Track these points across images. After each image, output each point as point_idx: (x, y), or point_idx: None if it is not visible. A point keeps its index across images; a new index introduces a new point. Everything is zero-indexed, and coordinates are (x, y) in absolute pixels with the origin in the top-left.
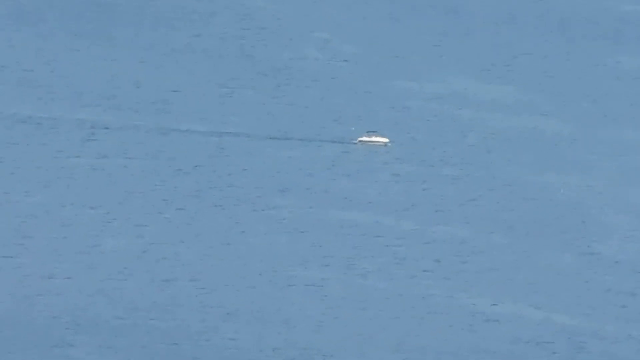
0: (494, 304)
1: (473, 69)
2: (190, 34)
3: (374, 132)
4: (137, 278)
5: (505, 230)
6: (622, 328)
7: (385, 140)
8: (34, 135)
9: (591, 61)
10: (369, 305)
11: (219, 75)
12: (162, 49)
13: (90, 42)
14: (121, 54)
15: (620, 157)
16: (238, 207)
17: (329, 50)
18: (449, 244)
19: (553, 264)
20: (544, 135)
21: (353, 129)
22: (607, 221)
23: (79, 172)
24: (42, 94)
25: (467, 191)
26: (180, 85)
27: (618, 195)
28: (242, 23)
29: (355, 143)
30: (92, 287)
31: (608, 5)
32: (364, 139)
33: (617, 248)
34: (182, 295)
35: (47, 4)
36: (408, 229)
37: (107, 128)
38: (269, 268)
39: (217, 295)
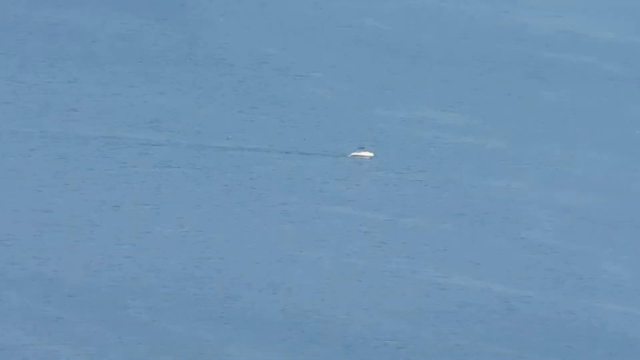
0: (446, 277)
1: (433, 100)
2: (219, 74)
3: (362, 148)
4: (179, 257)
5: (455, 220)
6: (544, 295)
7: (370, 154)
8: (103, 150)
9: (520, 94)
10: (353, 277)
11: (242, 105)
12: (199, 85)
13: (145, 79)
14: (166, 89)
15: (543, 166)
16: (256, 203)
17: (324, 85)
18: (413, 232)
19: (491, 246)
20: (485, 150)
21: (344, 146)
22: (532, 214)
23: (136, 178)
24: (109, 119)
25: (427, 192)
26: (212, 113)
27: (541, 195)
28: (259, 65)
29: (347, 156)
30: (145, 264)
31: (533, 52)
32: (354, 153)
33: (539, 234)
34: (213, 270)
35: (108, 44)
36: (383, 220)
37: (156, 145)
38: (278, 249)
39: (239, 270)
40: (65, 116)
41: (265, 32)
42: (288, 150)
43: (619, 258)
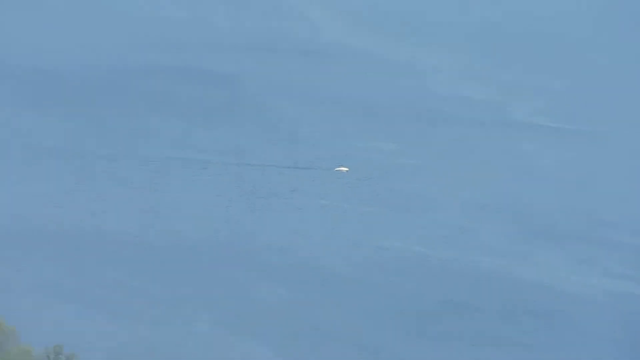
0: (384, 240)
1: (380, 136)
2: (241, 122)
3: (342, 165)
4: (228, 229)
5: (382, 205)
6: (448, 254)
7: (346, 169)
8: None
9: (422, 132)
10: (334, 226)
11: (258, 139)
12: (235, 123)
13: (205, 122)
14: (218, 122)
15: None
16: (271, 198)
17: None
18: (362, 212)
19: (405, 220)
20: (406, 170)
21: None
22: (432, 197)
23: (193, 184)
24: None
25: (369, 191)
26: (244, 143)
27: (446, 191)
28: (270, 125)
29: (334, 170)
30: (206, 228)
31: (425, 95)
32: (338, 168)
33: (443, 215)
34: (245, 232)
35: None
36: (349, 207)
37: (208, 162)
38: (285, 223)
39: (263, 237)
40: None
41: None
42: (293, 166)
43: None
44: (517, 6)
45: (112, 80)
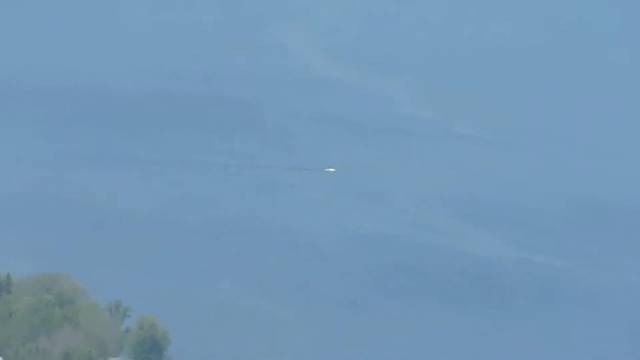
0: (359, 222)
1: (358, 145)
2: (253, 135)
3: (330, 167)
4: (244, 214)
5: (359, 197)
6: (406, 232)
7: (333, 169)
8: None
9: (389, 142)
10: (323, 212)
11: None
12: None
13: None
14: (236, 135)
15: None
16: (275, 191)
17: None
18: (344, 202)
19: (375, 208)
20: (378, 171)
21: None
22: (396, 192)
23: (218, 180)
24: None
25: (350, 187)
26: (255, 150)
27: (406, 187)
28: (274, 137)
29: (324, 170)
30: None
31: (391, 114)
32: (327, 169)
33: (403, 205)
34: (255, 216)
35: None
36: (334, 198)
37: (229, 164)
38: (286, 210)
39: (269, 220)
40: None
41: None
42: (294, 168)
43: None
44: (463, 41)
45: (158, 104)
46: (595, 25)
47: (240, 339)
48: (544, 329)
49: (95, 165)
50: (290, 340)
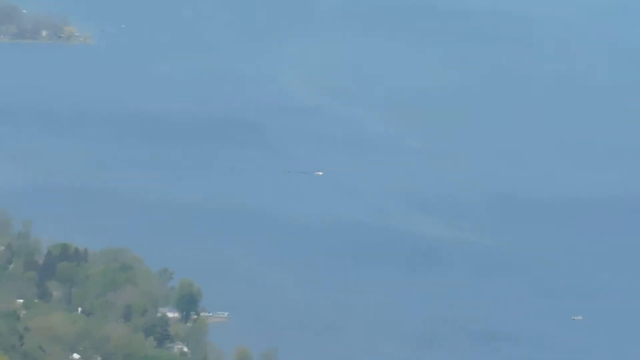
0: (339, 210)
1: (338, 157)
2: (265, 149)
3: (319, 171)
4: (260, 203)
5: (338, 192)
6: (368, 217)
7: (321, 173)
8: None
9: (358, 155)
10: (313, 203)
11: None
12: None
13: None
14: (255, 149)
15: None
16: (282, 188)
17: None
18: (327, 196)
19: (350, 201)
20: (352, 175)
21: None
22: (362, 189)
23: (243, 180)
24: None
25: (332, 185)
26: (266, 159)
27: (369, 186)
28: (280, 150)
29: (314, 174)
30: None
31: (361, 135)
32: (316, 172)
33: (369, 199)
34: (267, 205)
35: None
36: (321, 193)
37: (248, 169)
38: (288, 201)
39: (276, 207)
40: None
41: None
42: (294, 172)
43: None
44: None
45: (209, 127)
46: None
47: (250, 291)
48: (473, 291)
49: (155, 168)
50: (287, 292)
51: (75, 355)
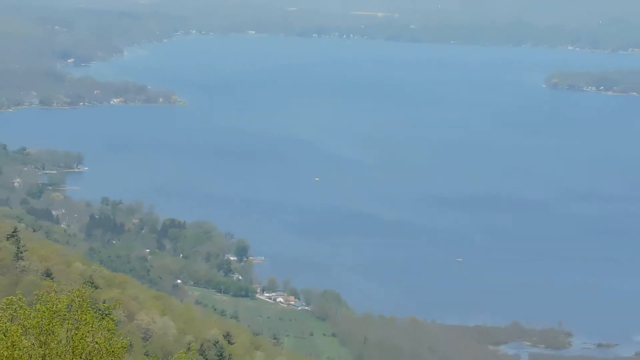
0: (331, 202)
1: (316, 170)
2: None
3: (317, 177)
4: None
5: (330, 188)
6: (349, 205)
7: (318, 179)
8: None
9: (337, 170)
10: (315, 198)
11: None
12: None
13: None
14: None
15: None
16: (292, 186)
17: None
18: (323, 192)
19: (338, 194)
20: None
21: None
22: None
23: (279, 181)
24: None
25: (324, 187)
26: (282, 172)
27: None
28: (291, 167)
29: (314, 179)
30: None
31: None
32: (315, 178)
33: (340, 195)
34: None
35: None
36: (318, 192)
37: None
38: (296, 196)
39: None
40: None
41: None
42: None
43: None
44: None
45: (253, 152)
46: None
47: (276, 245)
48: (408, 244)
49: (224, 175)
50: (298, 246)
51: (178, 280)
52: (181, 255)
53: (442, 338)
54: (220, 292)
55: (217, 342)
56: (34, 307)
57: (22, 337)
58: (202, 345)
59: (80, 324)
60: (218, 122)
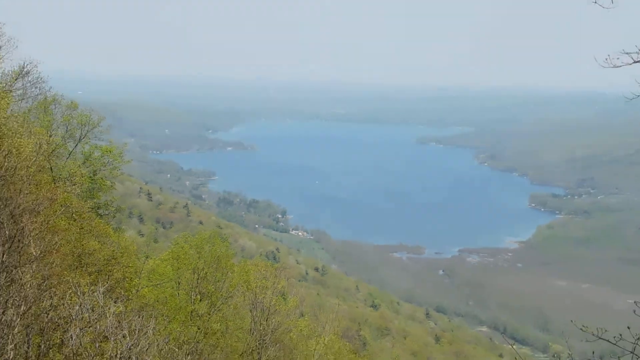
0: (332, 192)
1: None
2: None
3: (316, 181)
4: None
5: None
6: (338, 192)
7: (318, 182)
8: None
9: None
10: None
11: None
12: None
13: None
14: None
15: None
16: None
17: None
18: (317, 186)
19: (331, 186)
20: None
21: (317, 182)
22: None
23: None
24: None
25: (318, 187)
26: (303, 184)
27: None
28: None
29: (315, 183)
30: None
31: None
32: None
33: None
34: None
35: None
36: (316, 186)
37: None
38: (310, 193)
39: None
40: None
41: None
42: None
43: None
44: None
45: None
46: None
47: (305, 209)
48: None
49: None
50: (320, 210)
51: (256, 226)
52: (258, 216)
53: (371, 251)
54: (274, 230)
55: (273, 251)
56: (195, 236)
57: (189, 249)
58: (267, 253)
59: (215, 242)
60: (278, 162)
